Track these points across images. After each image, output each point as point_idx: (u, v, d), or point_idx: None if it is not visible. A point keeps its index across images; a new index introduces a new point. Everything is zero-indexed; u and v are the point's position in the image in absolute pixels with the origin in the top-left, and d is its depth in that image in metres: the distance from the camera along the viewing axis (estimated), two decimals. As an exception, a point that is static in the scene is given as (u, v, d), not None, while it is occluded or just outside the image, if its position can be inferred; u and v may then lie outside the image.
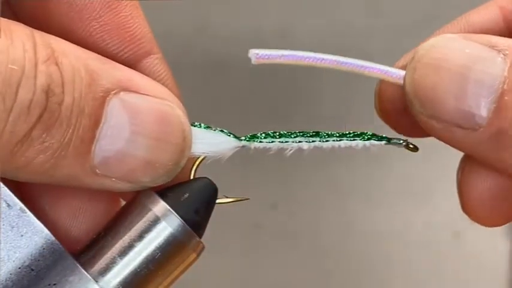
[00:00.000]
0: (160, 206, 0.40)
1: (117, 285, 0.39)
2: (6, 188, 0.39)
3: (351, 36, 1.22)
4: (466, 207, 0.45)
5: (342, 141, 0.44)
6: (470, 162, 0.45)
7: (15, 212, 0.39)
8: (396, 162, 1.29)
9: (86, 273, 0.39)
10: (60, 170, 0.38)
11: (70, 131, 0.37)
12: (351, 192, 1.29)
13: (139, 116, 0.39)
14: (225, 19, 1.32)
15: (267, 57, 0.42)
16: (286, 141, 0.43)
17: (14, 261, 0.39)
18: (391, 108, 0.45)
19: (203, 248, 0.41)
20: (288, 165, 1.13)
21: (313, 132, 0.44)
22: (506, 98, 0.40)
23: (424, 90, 0.41)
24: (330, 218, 1.27)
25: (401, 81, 0.42)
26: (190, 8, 1.11)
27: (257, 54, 0.42)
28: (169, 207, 0.40)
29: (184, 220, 0.40)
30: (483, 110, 0.40)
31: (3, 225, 0.39)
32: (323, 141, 0.44)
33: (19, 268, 0.39)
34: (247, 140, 0.43)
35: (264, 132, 0.43)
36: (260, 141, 0.43)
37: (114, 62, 0.40)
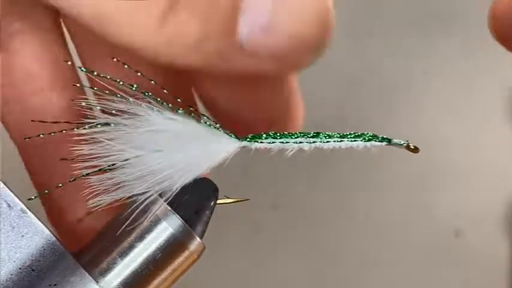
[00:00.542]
0: (161, 207, 0.40)
1: (118, 285, 0.39)
2: (6, 188, 0.39)
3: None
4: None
5: (342, 142, 0.44)
6: None
7: (16, 213, 0.39)
8: (396, 162, 1.29)
9: (86, 273, 0.39)
10: (209, 43, 0.37)
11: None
12: (352, 192, 1.29)
13: None
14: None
15: None
16: (286, 142, 0.43)
17: (14, 261, 0.39)
18: (507, 27, 0.42)
19: (204, 248, 0.41)
20: (289, 166, 1.13)
21: (314, 133, 0.44)
22: None
23: None
24: (331, 218, 1.27)
25: None
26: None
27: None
28: (170, 208, 0.40)
29: (185, 220, 0.40)
30: None
31: (4, 225, 0.39)
32: (324, 142, 0.44)
33: (20, 268, 0.39)
34: (248, 141, 0.43)
35: (264, 133, 0.43)
36: (261, 142, 0.43)
37: None
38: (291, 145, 0.43)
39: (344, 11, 1.37)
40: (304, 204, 1.28)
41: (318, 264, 1.25)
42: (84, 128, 0.40)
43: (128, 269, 0.39)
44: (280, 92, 0.44)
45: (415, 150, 0.45)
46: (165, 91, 0.40)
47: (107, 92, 0.40)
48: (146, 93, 0.40)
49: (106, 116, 0.41)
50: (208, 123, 0.42)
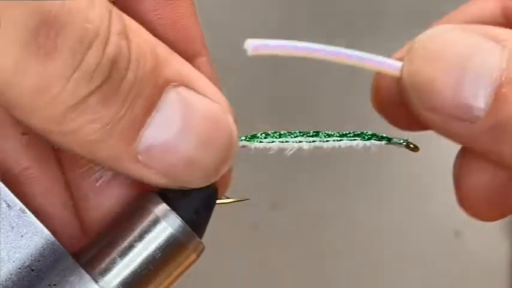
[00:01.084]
0: (160, 206, 0.40)
1: (118, 285, 0.39)
2: (6, 188, 0.39)
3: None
4: (462, 202, 0.45)
5: (342, 141, 0.44)
6: (467, 156, 0.44)
7: (15, 212, 0.39)
8: (396, 162, 1.29)
9: (86, 273, 0.39)
10: (104, 147, 0.37)
11: (124, 109, 0.36)
12: (351, 192, 1.29)
13: (193, 114, 0.38)
14: (225, 18, 1.32)
15: (264, 47, 0.40)
16: (286, 141, 0.43)
17: (14, 261, 0.39)
18: (388, 101, 0.45)
19: (203, 248, 0.41)
20: (288, 165, 1.13)
21: (314, 132, 0.44)
22: (503, 90, 0.39)
23: (421, 82, 0.40)
24: (330, 218, 1.27)
25: (398, 73, 0.42)
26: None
27: (253, 45, 0.40)
28: (169, 208, 0.40)
29: (184, 220, 0.40)
30: (481, 102, 0.39)
31: (3, 225, 0.39)
32: (323, 141, 0.44)
33: (19, 268, 0.39)
34: (247, 140, 0.43)
35: (264, 132, 0.43)
36: (260, 141, 0.43)
37: (179, 56, 0.39)
38: (291, 144, 0.43)
39: (344, 10, 1.37)
40: (303, 204, 1.28)
41: (317, 263, 1.25)
42: None
43: (127, 269, 0.39)
44: None
45: (415, 149, 0.45)
46: None
47: None
48: None
49: None
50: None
